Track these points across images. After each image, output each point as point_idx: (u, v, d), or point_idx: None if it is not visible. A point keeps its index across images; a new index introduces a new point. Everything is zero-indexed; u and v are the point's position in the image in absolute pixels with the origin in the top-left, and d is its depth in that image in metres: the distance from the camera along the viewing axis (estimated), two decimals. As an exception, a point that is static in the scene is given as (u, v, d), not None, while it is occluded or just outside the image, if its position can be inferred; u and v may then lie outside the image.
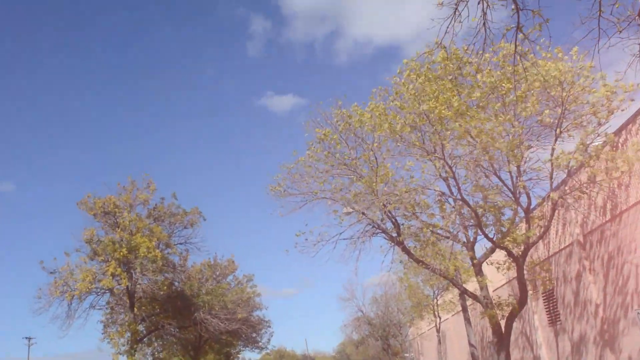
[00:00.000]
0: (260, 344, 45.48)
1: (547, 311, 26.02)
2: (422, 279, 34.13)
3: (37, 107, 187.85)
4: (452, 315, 39.81)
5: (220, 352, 49.07)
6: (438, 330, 34.18)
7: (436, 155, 16.29)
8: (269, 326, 43.09)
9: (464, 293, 20.63)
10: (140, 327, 28.04)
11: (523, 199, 17.20)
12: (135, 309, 26.69)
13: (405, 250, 19.13)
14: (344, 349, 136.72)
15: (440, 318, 34.01)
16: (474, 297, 19.73)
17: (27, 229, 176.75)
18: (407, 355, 63.51)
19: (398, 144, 16.88)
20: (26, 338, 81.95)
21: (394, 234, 18.86)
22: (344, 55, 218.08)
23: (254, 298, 35.43)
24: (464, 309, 25.19)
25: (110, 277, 24.43)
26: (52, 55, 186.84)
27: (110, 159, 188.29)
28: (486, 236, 17.58)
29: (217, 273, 34.66)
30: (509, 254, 17.89)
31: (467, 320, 24.86)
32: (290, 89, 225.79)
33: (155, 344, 30.61)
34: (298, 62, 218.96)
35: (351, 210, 18.89)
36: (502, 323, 19.26)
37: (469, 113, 14.76)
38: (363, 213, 18.71)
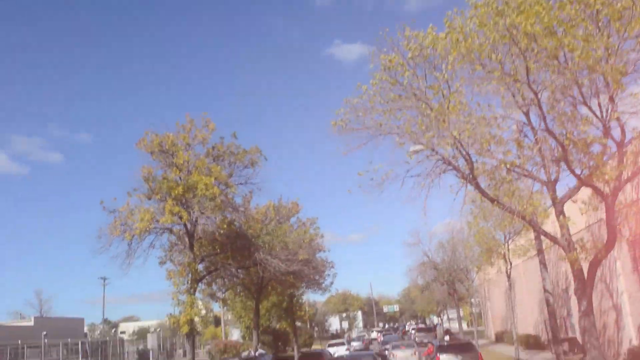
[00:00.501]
0: (323, 285, 44.99)
1: (631, 257, 24.06)
2: (492, 224, 32.38)
3: (107, 53, 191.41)
4: (523, 260, 37.99)
5: (284, 293, 48.97)
6: (508, 276, 32.51)
7: (519, 79, 14.45)
8: (332, 267, 42.40)
9: (542, 235, 18.87)
10: (200, 267, 27.66)
11: (615, 133, 15.27)
12: (195, 249, 26.22)
13: (479, 188, 17.54)
14: (408, 294, 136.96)
15: (511, 264, 32.27)
16: (554, 239, 18.04)
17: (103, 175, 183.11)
18: (473, 300, 62.21)
19: (475, 68, 15.09)
20: (101, 278, 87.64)
21: (467, 172, 17.26)
22: (413, 1, 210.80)
23: (316, 240, 34.54)
24: (540, 253, 23.40)
25: (169, 215, 23.82)
26: None
27: (175, 104, 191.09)
28: (572, 172, 15.79)
29: (281, 215, 33.95)
30: (598, 192, 16.07)
31: (543, 264, 23.12)
32: (358, 37, 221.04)
33: (216, 285, 30.22)
34: (367, 10, 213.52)
35: (420, 147, 17.37)
36: (585, 268, 17.59)
37: (561, 29, 12.79)
38: (433, 149, 17.17)
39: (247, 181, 27.88)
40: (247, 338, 61.74)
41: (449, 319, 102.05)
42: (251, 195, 29.78)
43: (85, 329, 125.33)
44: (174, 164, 25.43)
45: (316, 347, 71.36)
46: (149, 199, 25.09)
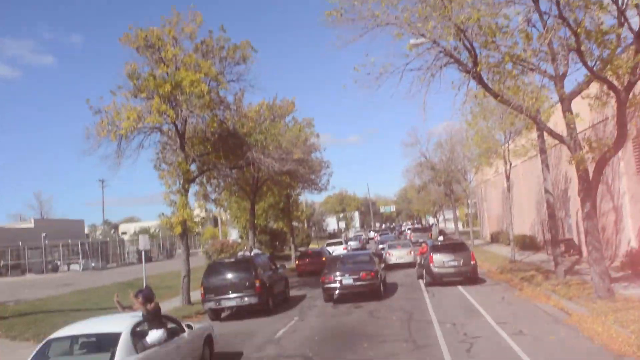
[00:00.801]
0: (319, 185, 44.56)
1: (636, 158, 23.28)
2: (492, 123, 31.39)
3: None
4: (522, 161, 37.35)
5: (280, 194, 48.71)
6: (507, 177, 31.89)
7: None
8: (328, 167, 41.73)
9: (547, 133, 17.94)
10: (193, 168, 26.94)
11: (633, 22, 14.01)
12: (187, 149, 25.32)
13: (482, 83, 16.43)
14: (405, 195, 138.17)
15: (510, 164, 31.57)
16: (560, 138, 17.14)
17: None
18: (470, 201, 62.32)
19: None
20: (100, 180, 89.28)
21: (470, 65, 16.10)
22: None
23: (311, 139, 33.57)
24: (542, 153, 22.60)
25: (156, 114, 22.72)
26: None
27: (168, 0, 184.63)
28: (585, 64, 14.62)
29: (275, 114, 32.82)
30: (610, 86, 14.99)
31: (546, 164, 22.40)
32: None
33: (210, 186, 29.53)
34: None
35: (421, 40, 16.10)
36: (590, 169, 16.83)
37: None
38: (434, 41, 15.91)
39: (238, 78, 26.55)
40: (244, 238, 62.26)
41: (444, 220, 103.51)
42: (243, 93, 28.60)
43: (86, 231, 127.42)
44: (161, 59, 23.90)
45: (314, 246, 72.41)
46: (135, 97, 23.85)
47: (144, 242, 24.42)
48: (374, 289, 22.43)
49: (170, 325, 12.00)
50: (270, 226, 60.15)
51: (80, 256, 65.03)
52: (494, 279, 26.08)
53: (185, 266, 25.76)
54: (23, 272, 60.49)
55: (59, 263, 64.41)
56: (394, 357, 12.73)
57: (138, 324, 10.89)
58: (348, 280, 22.33)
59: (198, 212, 25.65)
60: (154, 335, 10.81)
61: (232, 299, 20.97)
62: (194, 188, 29.08)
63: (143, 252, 24.98)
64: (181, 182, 25.41)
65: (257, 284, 20.86)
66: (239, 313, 21.93)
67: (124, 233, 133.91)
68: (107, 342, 10.23)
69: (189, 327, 12.73)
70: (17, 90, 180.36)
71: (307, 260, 37.68)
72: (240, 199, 39.92)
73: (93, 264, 63.82)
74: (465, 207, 51.21)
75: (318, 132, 32.52)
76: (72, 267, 63.15)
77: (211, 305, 21.20)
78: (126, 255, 79.26)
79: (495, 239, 51.90)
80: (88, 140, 24.29)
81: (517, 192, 44.82)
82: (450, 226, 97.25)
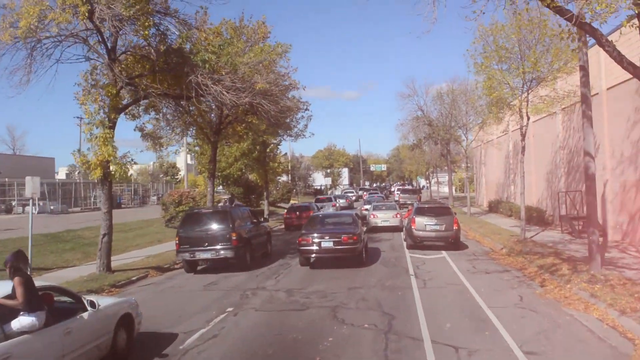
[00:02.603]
0: (294, 131, 37.98)
1: None
2: (508, 67, 25.40)
3: None
4: (535, 120, 31.51)
5: (256, 141, 42.55)
6: (523, 136, 25.86)
7: None
8: (307, 109, 34.93)
9: (616, 59, 11.65)
10: (127, 97, 20.91)
11: None
12: (116, 69, 19.20)
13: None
14: (397, 154, 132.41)
15: (528, 119, 25.51)
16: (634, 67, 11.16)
17: None
18: (467, 164, 56.56)
19: None
20: (77, 117, 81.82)
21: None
22: None
23: (280, 64, 25.78)
24: (584, 99, 16.55)
25: (61, 9, 16.40)
26: None
27: None
28: None
29: (244, 39, 26.23)
30: None
31: (588, 118, 16.35)
32: None
33: (151, 119, 23.21)
34: None
35: None
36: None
37: None
38: None
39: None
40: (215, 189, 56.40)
41: (437, 182, 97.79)
42: (207, 12, 22.44)
43: (65, 171, 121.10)
44: None
45: (294, 201, 67.05)
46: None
47: (32, 187, 18.22)
48: (356, 254, 20.15)
49: (64, 301, 9.33)
50: (245, 177, 54.28)
51: (36, 197, 59.23)
52: (501, 264, 20.16)
53: (105, 221, 19.85)
54: (-29, 210, 55.73)
55: (13, 203, 59.02)
56: None
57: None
58: (328, 243, 20.00)
59: (129, 153, 19.27)
60: (25, 319, 7.70)
61: (207, 251, 20.25)
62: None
63: (31, 201, 18.71)
64: (106, 110, 19.38)
65: (234, 237, 20.14)
66: (215, 267, 21.39)
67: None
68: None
69: (92, 305, 9.39)
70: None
71: (295, 214, 38.29)
72: (202, 142, 33.80)
73: (52, 207, 58.44)
74: (465, 170, 45.04)
75: (292, 46, 24.74)
76: (27, 209, 57.78)
77: (185, 256, 20.41)
78: (93, 199, 73.72)
79: (494, 208, 46.26)
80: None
81: (520, 158, 39.28)
82: (444, 190, 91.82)
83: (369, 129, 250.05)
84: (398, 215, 34.50)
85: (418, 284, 16.42)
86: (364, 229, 23.67)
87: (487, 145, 52.04)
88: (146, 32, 17.81)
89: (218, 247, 20.08)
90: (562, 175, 31.15)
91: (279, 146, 50.88)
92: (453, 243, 24.37)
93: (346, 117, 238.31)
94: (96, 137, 18.99)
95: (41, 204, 59.31)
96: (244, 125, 29.89)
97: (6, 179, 60.42)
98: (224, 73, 18.99)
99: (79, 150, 19.64)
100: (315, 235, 20.36)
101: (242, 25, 26.27)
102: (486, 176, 56.95)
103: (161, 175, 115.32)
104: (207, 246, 20.14)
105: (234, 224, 20.44)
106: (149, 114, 22.83)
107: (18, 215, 54.79)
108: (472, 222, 37.23)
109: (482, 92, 28.88)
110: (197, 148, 38.66)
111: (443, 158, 58.99)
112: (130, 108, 21.77)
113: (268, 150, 47.75)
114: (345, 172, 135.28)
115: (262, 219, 25.82)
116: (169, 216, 36.61)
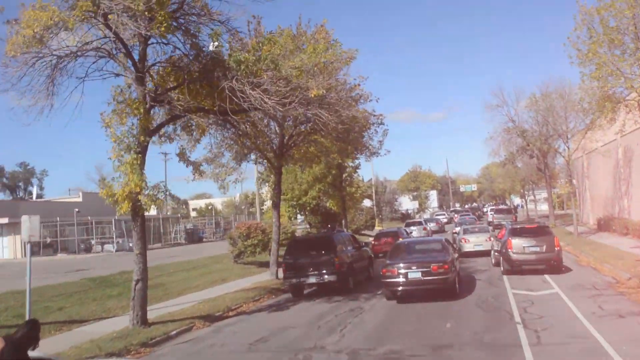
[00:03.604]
0: (370, 147, 33.60)
1: None
2: (622, 51, 20.71)
3: None
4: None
5: (330, 164, 38.95)
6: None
7: None
8: (381, 123, 30.50)
9: None
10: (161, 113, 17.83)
11: None
12: (152, 83, 16.16)
13: None
14: (488, 173, 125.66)
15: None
16: None
17: None
18: (569, 178, 50.50)
19: None
20: (162, 153, 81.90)
21: None
22: None
23: (340, 64, 20.82)
24: None
25: (80, 12, 13.34)
26: None
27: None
28: None
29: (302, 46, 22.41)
30: None
31: None
32: None
33: (188, 140, 19.69)
34: None
35: None
36: None
37: None
38: None
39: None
40: (292, 219, 53.12)
41: (534, 200, 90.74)
42: (260, 22, 19.29)
43: (153, 208, 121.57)
44: None
45: (379, 227, 62.96)
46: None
47: (29, 229, 14.94)
48: (447, 285, 17.83)
49: None
50: (324, 205, 50.67)
51: (114, 235, 58.38)
52: (637, 301, 15.21)
53: (138, 264, 16.59)
54: (55, 251, 55.53)
55: (92, 242, 58.46)
56: None
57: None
58: (415, 274, 17.77)
59: (161, 184, 15.94)
60: None
61: (312, 276, 21.07)
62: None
63: (28, 246, 15.28)
64: (134, 132, 16.31)
65: (337, 261, 20.80)
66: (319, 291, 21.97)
67: (194, 209, 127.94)
68: None
69: None
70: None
71: (382, 240, 36.85)
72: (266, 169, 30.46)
73: (131, 244, 57.23)
74: (567, 183, 39.36)
75: (358, 51, 20.60)
76: (106, 247, 57.25)
77: (292, 282, 21.37)
78: (174, 234, 72.52)
79: (603, 226, 40.22)
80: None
81: (635, 166, 33.73)
82: (541, 208, 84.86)
83: (456, 148, 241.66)
84: (491, 239, 30.62)
85: (529, 338, 11.81)
86: (456, 255, 20.90)
87: (590, 155, 46.09)
88: (162, 29, 14.37)
89: (322, 271, 20.82)
90: None
91: (357, 169, 47.04)
92: (555, 267, 21.74)
93: (431, 138, 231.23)
94: (124, 165, 15.94)
95: (120, 241, 58.50)
96: (310, 145, 26.37)
97: (88, 217, 60.23)
98: (265, 77, 15.29)
99: (103, 180, 16.67)
100: (401, 265, 18.06)
101: (300, 32, 22.69)
102: (590, 190, 50.68)
103: (243, 207, 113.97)
104: (312, 271, 20.96)
105: (336, 249, 21.17)
106: (191, 135, 19.39)
107: (96, 254, 54.25)
108: (581, 243, 31.87)
109: (588, 88, 24.07)
110: (270, 177, 35.48)
111: (540, 172, 53.21)
112: (163, 130, 18.47)
113: (345, 175, 43.99)
114: (433, 194, 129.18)
115: (363, 244, 26.19)
116: (237, 251, 33.34)
